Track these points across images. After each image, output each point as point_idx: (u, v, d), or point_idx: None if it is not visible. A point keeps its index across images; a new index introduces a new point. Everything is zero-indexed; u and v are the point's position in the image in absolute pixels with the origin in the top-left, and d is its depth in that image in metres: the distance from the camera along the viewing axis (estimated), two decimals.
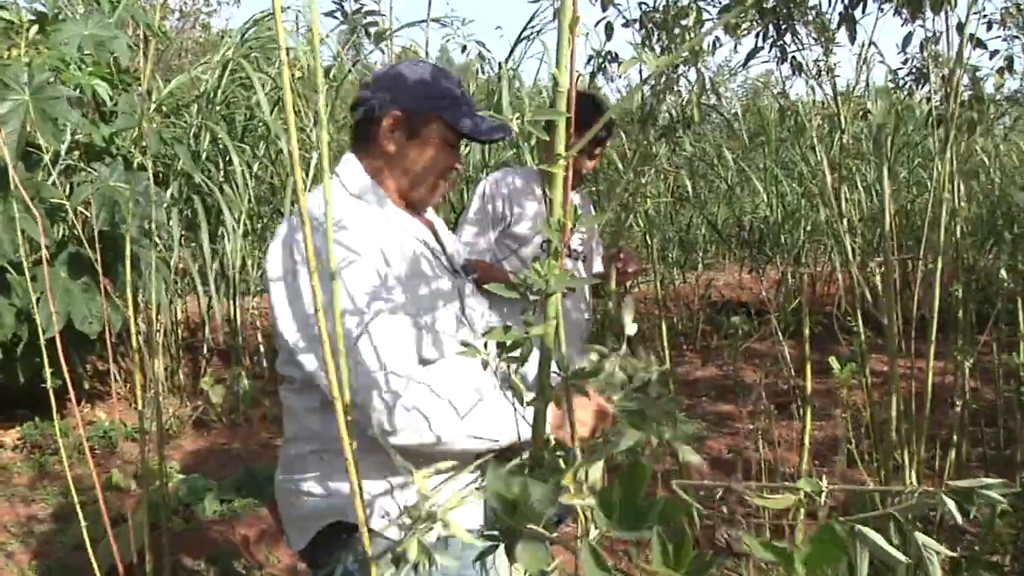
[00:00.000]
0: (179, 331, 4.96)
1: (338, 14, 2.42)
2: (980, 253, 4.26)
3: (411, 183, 1.58)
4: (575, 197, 2.53)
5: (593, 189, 3.92)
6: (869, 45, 3.03)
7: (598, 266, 2.51)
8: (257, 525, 3.19)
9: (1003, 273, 3.46)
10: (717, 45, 2.84)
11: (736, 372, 4.74)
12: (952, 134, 2.92)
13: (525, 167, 2.46)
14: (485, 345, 0.97)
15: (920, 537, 1.16)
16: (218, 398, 4.36)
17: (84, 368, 4.50)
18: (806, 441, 3.01)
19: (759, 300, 5.77)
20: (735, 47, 2.70)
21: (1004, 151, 5.58)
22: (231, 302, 4.76)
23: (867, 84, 4.97)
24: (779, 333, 3.72)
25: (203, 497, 3.29)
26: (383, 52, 3.13)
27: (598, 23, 2.31)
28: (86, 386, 4.44)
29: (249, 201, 4.51)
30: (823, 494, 1.26)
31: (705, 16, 2.36)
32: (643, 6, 2.48)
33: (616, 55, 2.47)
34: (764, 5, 2.66)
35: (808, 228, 5.46)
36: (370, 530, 1.44)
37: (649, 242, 4.78)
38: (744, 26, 2.77)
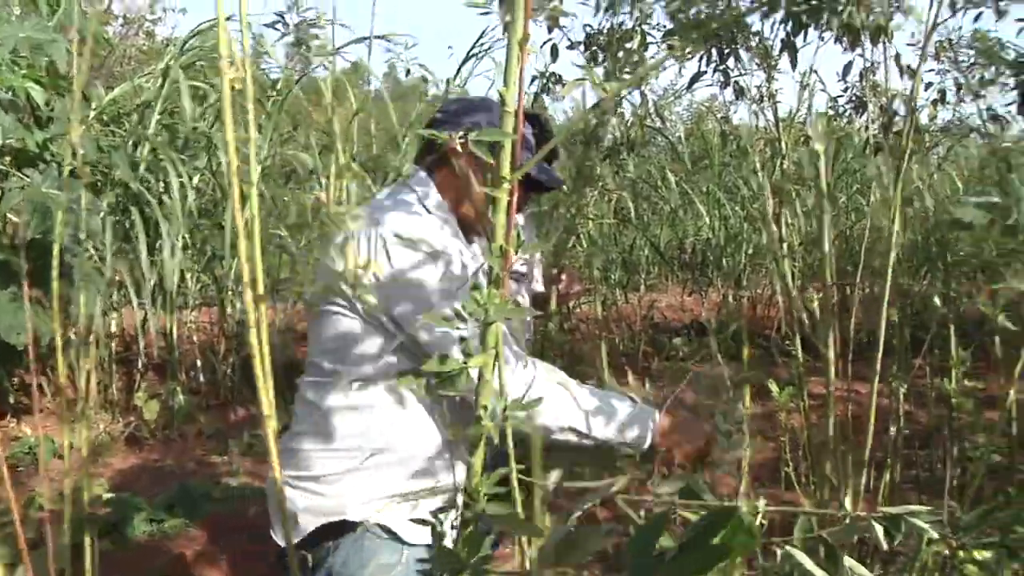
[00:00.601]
0: (113, 344, 4.83)
1: (280, 25, 2.38)
2: (915, 279, 4.35)
3: (476, 210, 1.67)
4: (519, 218, 2.51)
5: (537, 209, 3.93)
6: (810, 72, 3.10)
7: (539, 286, 2.49)
8: (190, 546, 3.11)
9: (936, 300, 3.55)
10: (661, 69, 2.87)
11: (676, 394, 4.78)
12: (903, 163, 3.00)
13: None
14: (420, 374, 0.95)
15: (849, 562, 1.17)
16: (152, 414, 4.25)
17: (11, 381, 4.35)
18: (744, 464, 3.01)
19: (700, 322, 5.84)
20: (679, 71, 2.72)
21: (937, 180, 5.74)
22: (168, 316, 4.65)
23: (809, 111, 5.08)
24: (718, 356, 3.76)
25: (133, 516, 3.19)
26: (326, 68, 3.09)
27: (543, 44, 2.32)
28: (11, 400, 4.30)
29: (190, 214, 4.42)
30: (759, 516, 1.27)
31: (649, 39, 2.38)
32: (588, 28, 2.49)
33: (560, 77, 2.47)
34: (708, 30, 2.70)
35: (750, 251, 5.54)
36: (376, 526, 1.51)
37: (592, 263, 4.81)
38: (688, 50, 2.81)
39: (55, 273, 2.24)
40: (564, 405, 1.58)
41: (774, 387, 2.62)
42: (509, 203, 0.94)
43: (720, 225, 5.39)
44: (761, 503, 1.23)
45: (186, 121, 4.00)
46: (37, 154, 3.91)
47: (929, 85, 2.97)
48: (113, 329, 4.90)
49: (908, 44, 3.14)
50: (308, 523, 1.54)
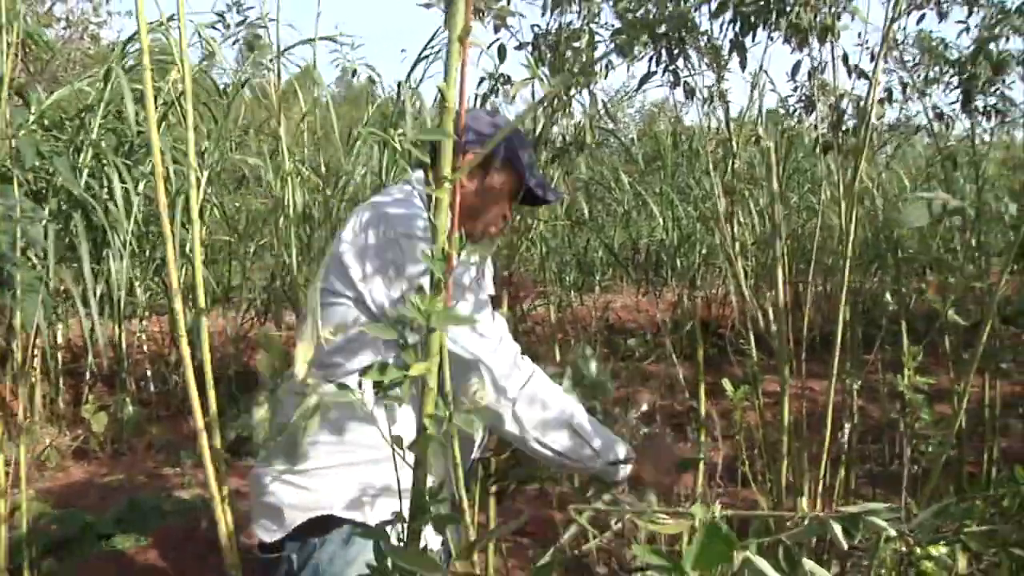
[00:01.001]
0: (60, 355, 4.71)
1: (220, 26, 2.34)
2: (865, 276, 4.40)
3: (474, 222, 1.68)
4: None
5: None
6: (760, 72, 3.12)
7: (490, 289, 2.46)
8: (141, 562, 3.03)
9: (887, 296, 3.58)
10: (610, 68, 2.86)
11: (632, 394, 4.79)
12: (859, 161, 3.03)
13: None
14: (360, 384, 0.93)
15: (808, 563, 1.16)
16: (100, 426, 4.15)
17: None
18: (700, 463, 3.03)
19: (655, 323, 5.86)
20: (628, 70, 2.71)
21: (886, 179, 5.82)
22: (117, 325, 4.55)
23: (759, 111, 5.12)
24: (673, 356, 3.77)
25: (80, 533, 3.10)
26: (269, 70, 3.03)
27: (491, 45, 2.29)
28: None
29: (136, 221, 4.33)
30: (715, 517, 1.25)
31: (597, 38, 2.36)
32: (535, 28, 2.47)
33: (509, 77, 2.44)
34: (656, 30, 2.70)
35: (704, 251, 5.57)
36: (362, 524, 1.49)
37: (546, 265, 4.79)
38: (637, 49, 2.80)
39: None
40: (555, 424, 1.59)
41: (728, 385, 2.61)
42: (451, 204, 0.92)
43: (673, 226, 5.40)
44: (717, 507, 1.22)
45: (130, 125, 3.91)
46: None
47: (874, 84, 2.98)
48: (60, 340, 4.78)
49: (856, 45, 3.17)
50: (294, 518, 1.52)
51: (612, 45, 2.34)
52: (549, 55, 2.26)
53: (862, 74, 3.01)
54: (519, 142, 1.73)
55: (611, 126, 5.48)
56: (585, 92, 2.70)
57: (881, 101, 3.02)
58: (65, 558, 3.06)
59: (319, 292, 1.55)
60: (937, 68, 3.40)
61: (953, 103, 3.27)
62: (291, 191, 3.32)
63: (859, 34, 3.13)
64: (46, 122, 4.43)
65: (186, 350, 0.88)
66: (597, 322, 5.77)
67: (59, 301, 4.48)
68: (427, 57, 4.09)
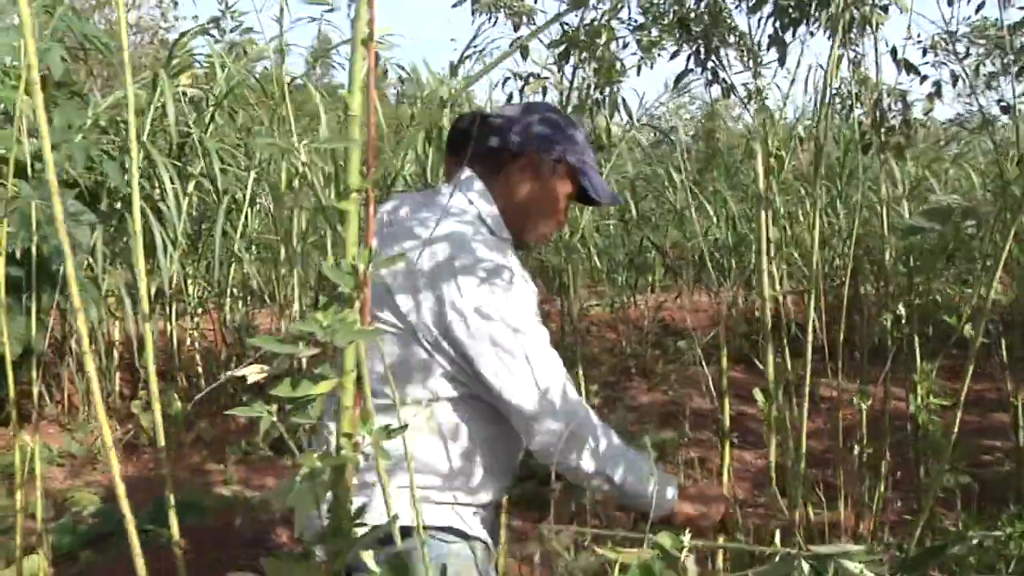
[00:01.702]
0: (116, 352, 4.83)
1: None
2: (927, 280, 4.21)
3: (526, 225, 1.63)
4: None
5: None
6: (811, 69, 3.01)
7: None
8: (173, 556, 3.07)
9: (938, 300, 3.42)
10: (645, 65, 2.78)
11: (681, 398, 4.69)
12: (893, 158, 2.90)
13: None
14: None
15: None
16: (149, 421, 4.23)
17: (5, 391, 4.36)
18: (725, 472, 2.93)
19: (711, 324, 5.73)
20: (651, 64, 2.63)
21: (954, 176, 5.59)
22: (168, 322, 4.64)
23: (814, 106, 4.96)
24: (724, 359, 3.66)
25: (118, 527, 3.16)
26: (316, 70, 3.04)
27: (514, 43, 2.25)
28: (8, 409, 4.30)
29: (187, 220, 4.41)
30: (683, 550, 1.19)
31: (622, 36, 2.30)
32: (564, 25, 2.42)
33: (537, 75, 2.40)
34: (689, 27, 2.62)
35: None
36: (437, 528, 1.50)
37: (595, 264, 4.72)
38: (670, 46, 2.72)
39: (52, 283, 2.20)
40: (607, 452, 1.53)
41: (759, 395, 2.52)
42: (366, 214, 0.88)
43: (727, 225, 5.28)
44: (687, 537, 1.16)
45: (171, 126, 3.98)
46: (28, 164, 3.91)
47: (924, 78, 2.85)
48: (117, 336, 4.90)
49: (905, 38, 3.03)
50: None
51: (635, 43, 2.28)
52: (574, 52, 2.20)
53: (910, 68, 2.88)
54: (579, 143, 1.66)
55: (672, 124, 5.39)
56: (610, 91, 2.64)
57: (930, 96, 2.88)
58: (103, 550, 3.12)
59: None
60: (999, 60, 3.23)
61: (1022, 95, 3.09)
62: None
63: (908, 26, 3.00)
64: (102, 123, 4.54)
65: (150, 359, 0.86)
66: (650, 323, 5.66)
67: (114, 299, 4.60)
68: (471, 56, 4.06)
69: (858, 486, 2.39)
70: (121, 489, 1.19)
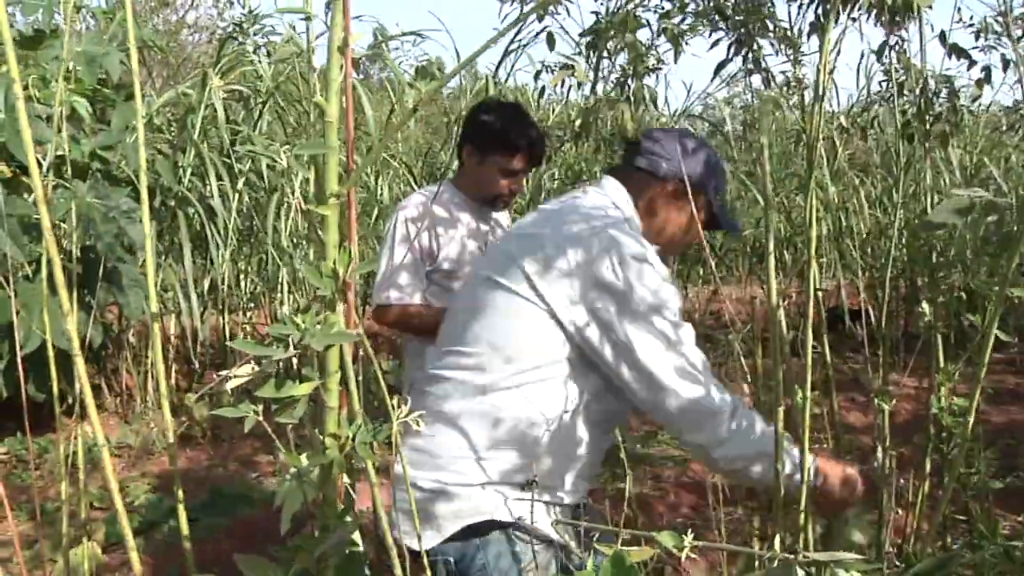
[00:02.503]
0: (172, 346, 4.95)
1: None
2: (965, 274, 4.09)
3: (660, 243, 1.64)
4: (503, 217, 2.44)
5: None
6: (862, 56, 2.93)
7: None
8: (218, 547, 3.15)
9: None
10: (682, 54, 2.74)
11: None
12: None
13: (445, 186, 2.32)
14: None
15: None
16: (201, 414, 4.33)
17: (71, 383, 4.50)
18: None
19: (764, 316, 5.64)
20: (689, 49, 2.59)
21: (1017, 162, 5.40)
22: (220, 317, 4.74)
23: (866, 94, 4.84)
24: (781, 351, 3.60)
25: (165, 518, 3.25)
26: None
27: (539, 33, 2.24)
28: (69, 400, 4.44)
29: (237, 217, 4.49)
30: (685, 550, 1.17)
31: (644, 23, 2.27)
32: (595, 14, 2.40)
33: (566, 66, 2.38)
34: (724, 13, 2.57)
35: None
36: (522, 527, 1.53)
37: None
38: (708, 34, 2.68)
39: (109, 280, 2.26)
40: (756, 437, 1.54)
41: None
42: (347, 217, 0.88)
43: (782, 216, 5.19)
44: (688, 538, 1.14)
45: (221, 125, 4.06)
46: (86, 164, 4.03)
47: (973, 63, 2.75)
48: (173, 330, 5.02)
49: (955, 22, 2.93)
50: (448, 527, 1.54)
51: (663, 32, 2.25)
52: (599, 44, 2.18)
53: (960, 52, 2.79)
54: (725, 183, 1.77)
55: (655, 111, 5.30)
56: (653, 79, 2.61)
57: (979, 82, 2.79)
58: (152, 538, 3.21)
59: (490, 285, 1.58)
60: None
61: None
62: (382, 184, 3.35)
63: (956, 8, 2.90)
64: (156, 123, 4.65)
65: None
66: (702, 315, 5.60)
67: (171, 294, 4.72)
68: (515, 50, 4.06)
69: (890, 484, 2.31)
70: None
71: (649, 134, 1.76)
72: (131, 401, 4.70)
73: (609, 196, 1.67)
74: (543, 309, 1.53)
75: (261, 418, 0.93)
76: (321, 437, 0.93)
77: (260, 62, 4.18)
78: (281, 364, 0.95)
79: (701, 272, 5.70)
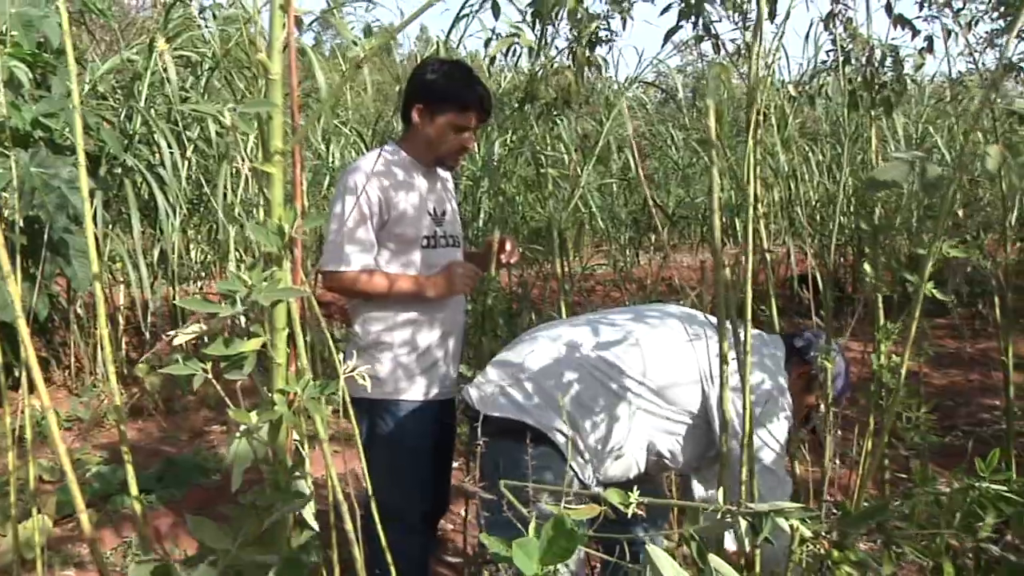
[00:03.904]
0: (121, 317, 4.88)
1: None
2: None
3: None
4: (450, 178, 2.44)
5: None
6: (812, 25, 2.97)
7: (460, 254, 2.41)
8: (171, 517, 3.14)
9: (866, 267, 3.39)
10: (627, 19, 2.74)
11: None
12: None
13: (390, 148, 2.32)
14: None
15: (714, 560, 1.10)
16: (153, 385, 4.29)
17: (17, 357, 4.43)
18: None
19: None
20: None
21: (959, 132, 5.51)
22: (171, 287, 4.69)
23: (815, 63, 4.90)
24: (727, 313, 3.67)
25: (119, 489, 3.23)
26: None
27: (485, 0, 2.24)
28: (16, 374, 4.37)
29: (187, 185, 4.43)
30: (631, 505, 1.21)
31: None
32: None
33: (512, 34, 2.38)
34: None
35: (763, 210, 5.40)
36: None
37: (600, 224, 4.70)
38: (654, 2, 2.69)
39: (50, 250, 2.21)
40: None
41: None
42: (290, 176, 0.89)
43: (731, 184, 5.24)
44: (634, 494, 1.17)
45: (172, 92, 3.98)
46: (28, 132, 3.92)
47: (917, 33, 2.80)
48: (122, 301, 4.95)
49: None
50: (511, 413, 1.91)
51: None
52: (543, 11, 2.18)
53: (904, 22, 2.84)
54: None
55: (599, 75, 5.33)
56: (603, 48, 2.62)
57: (921, 51, 2.84)
58: (102, 512, 3.18)
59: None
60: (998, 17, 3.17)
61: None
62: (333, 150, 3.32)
63: None
64: (100, 90, 4.55)
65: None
66: (653, 282, 5.66)
67: (119, 265, 4.65)
68: (466, 16, 4.04)
69: (828, 442, 2.38)
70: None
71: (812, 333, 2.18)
72: (81, 374, 4.63)
73: (780, 358, 2.09)
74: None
75: (211, 377, 0.94)
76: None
77: (207, 27, 4.11)
78: (230, 323, 0.95)
79: (653, 239, 5.76)
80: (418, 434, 2.29)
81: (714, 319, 1.73)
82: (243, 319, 0.93)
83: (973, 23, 2.87)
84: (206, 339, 0.98)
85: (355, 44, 0.84)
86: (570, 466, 1.89)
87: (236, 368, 0.91)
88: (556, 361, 1.97)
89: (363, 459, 1.35)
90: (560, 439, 1.90)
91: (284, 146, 0.85)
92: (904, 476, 2.95)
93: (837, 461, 2.97)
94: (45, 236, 3.77)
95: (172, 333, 0.95)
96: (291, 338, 0.93)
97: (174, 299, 4.66)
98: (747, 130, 1.38)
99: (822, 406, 2.01)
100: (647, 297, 5.53)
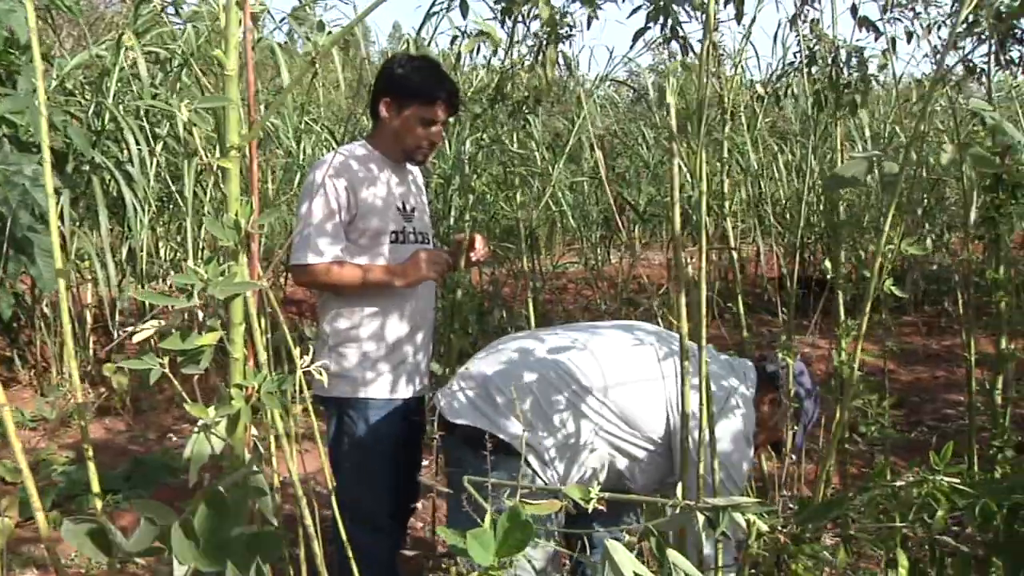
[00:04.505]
0: (89, 315, 4.83)
1: None
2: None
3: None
4: (419, 173, 2.44)
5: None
6: (780, 26, 3.01)
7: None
8: (136, 515, 3.11)
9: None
10: (594, 17, 2.75)
11: None
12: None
13: (359, 144, 2.33)
14: None
15: (671, 554, 1.11)
16: (121, 384, 4.25)
17: None
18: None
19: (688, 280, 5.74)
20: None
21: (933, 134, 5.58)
22: (139, 285, 4.65)
23: (782, 63, 4.94)
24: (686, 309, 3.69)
25: (86, 489, 3.20)
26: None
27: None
28: None
29: (156, 182, 4.39)
30: (591, 501, 1.22)
31: None
32: None
33: (480, 32, 2.38)
34: None
35: (733, 209, 5.44)
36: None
37: (571, 223, 4.71)
38: (623, 1, 2.70)
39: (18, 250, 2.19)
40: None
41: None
42: (246, 172, 0.89)
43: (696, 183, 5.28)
44: (595, 489, 1.19)
45: (144, 89, 3.95)
46: None
47: (881, 34, 2.84)
48: (90, 299, 4.90)
49: None
50: (477, 421, 1.91)
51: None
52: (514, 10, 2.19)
53: (868, 24, 2.88)
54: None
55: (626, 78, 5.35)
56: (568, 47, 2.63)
57: (885, 52, 2.88)
58: (71, 511, 3.16)
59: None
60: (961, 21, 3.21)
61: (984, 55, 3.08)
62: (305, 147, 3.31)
63: None
64: (68, 86, 4.51)
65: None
66: (624, 280, 5.69)
67: (87, 263, 4.60)
68: (436, 13, 4.04)
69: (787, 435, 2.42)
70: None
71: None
72: (47, 373, 4.58)
73: (748, 384, 2.09)
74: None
75: (168, 372, 0.94)
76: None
77: (177, 23, 4.08)
78: (189, 318, 0.95)
79: (624, 238, 5.79)
80: (387, 432, 2.29)
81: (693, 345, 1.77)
82: (200, 314, 0.93)
83: (934, 27, 2.90)
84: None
85: (307, 40, 0.84)
86: (532, 469, 1.91)
87: (193, 363, 0.91)
88: (519, 371, 1.98)
89: (324, 458, 1.35)
90: (523, 446, 1.90)
91: (240, 141, 0.85)
92: (869, 471, 2.99)
93: (804, 456, 3.01)
94: (6, 233, 3.74)
95: (129, 330, 0.94)
96: (250, 333, 0.93)
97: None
98: (696, 126, 1.40)
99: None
100: (618, 295, 5.57)
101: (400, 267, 2.22)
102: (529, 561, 1.66)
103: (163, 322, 0.96)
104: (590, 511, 1.19)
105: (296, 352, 0.89)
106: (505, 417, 1.92)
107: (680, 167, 2.73)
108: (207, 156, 0.86)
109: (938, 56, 3.37)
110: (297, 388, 0.94)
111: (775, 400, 2.12)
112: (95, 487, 1.18)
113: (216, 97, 0.83)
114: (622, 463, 2.02)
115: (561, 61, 2.22)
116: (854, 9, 2.88)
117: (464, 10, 2.21)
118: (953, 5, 3.21)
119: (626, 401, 1.98)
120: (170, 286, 5.16)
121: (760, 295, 6.02)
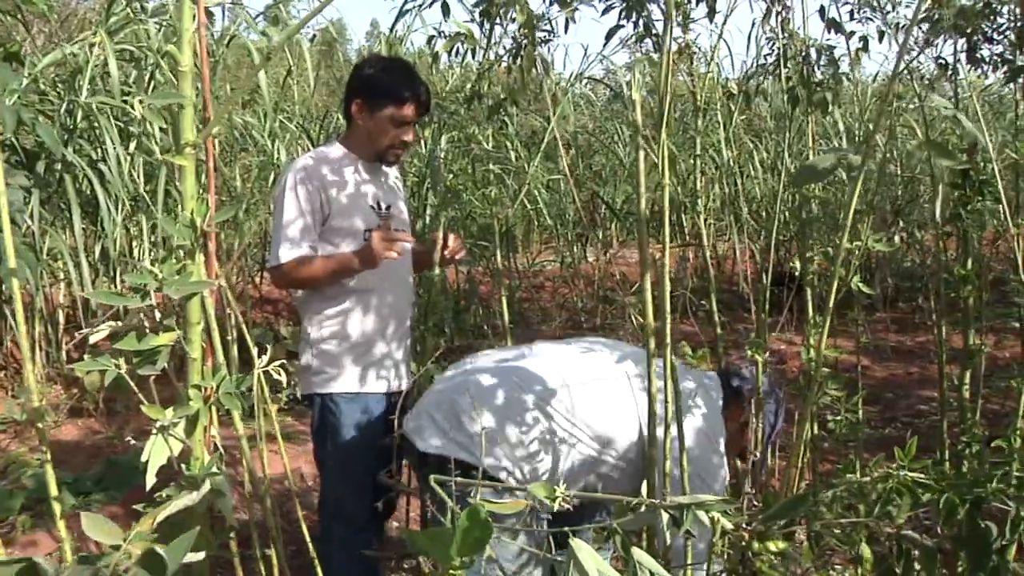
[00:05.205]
0: (62, 315, 4.79)
1: None
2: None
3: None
4: (393, 174, 2.45)
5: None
6: (753, 25, 3.01)
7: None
8: (109, 517, 3.08)
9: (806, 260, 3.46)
10: (571, 21, 2.76)
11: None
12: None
13: (333, 145, 2.35)
14: None
15: (636, 553, 1.11)
16: (93, 385, 4.21)
17: None
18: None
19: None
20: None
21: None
22: (113, 285, 4.61)
23: (755, 62, 4.97)
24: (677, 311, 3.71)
25: (57, 492, 3.16)
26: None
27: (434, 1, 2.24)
28: None
29: (131, 181, 4.35)
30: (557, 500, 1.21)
31: None
32: None
33: (458, 33, 2.38)
34: None
35: (708, 207, 5.47)
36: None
37: (547, 220, 4.71)
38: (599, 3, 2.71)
39: None
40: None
41: (687, 349, 2.56)
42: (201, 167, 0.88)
43: (677, 181, 5.30)
44: (560, 488, 1.18)
45: (115, 87, 3.91)
46: None
47: (851, 35, 2.86)
48: (62, 300, 4.85)
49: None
50: (452, 452, 1.87)
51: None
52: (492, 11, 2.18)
53: (836, 26, 2.90)
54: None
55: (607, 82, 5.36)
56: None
57: (857, 51, 2.90)
58: (40, 514, 3.13)
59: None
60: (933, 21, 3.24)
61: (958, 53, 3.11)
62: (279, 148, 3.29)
63: None
64: (41, 85, 4.46)
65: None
66: (601, 278, 5.70)
67: (60, 263, 4.55)
68: (409, 11, 4.03)
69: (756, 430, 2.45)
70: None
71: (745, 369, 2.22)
72: (19, 375, 4.53)
73: (714, 394, 2.16)
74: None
75: (123, 373, 0.93)
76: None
77: (148, 20, 4.04)
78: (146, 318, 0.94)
79: (601, 236, 5.80)
80: (367, 428, 2.29)
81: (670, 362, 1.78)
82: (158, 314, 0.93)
83: (902, 27, 2.92)
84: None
85: (263, 35, 0.83)
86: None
87: (149, 363, 0.90)
88: (490, 392, 1.98)
89: (308, 456, 1.34)
90: (498, 473, 1.93)
91: (195, 139, 0.84)
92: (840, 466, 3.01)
93: (778, 453, 3.02)
94: None
95: (86, 331, 0.94)
96: (208, 333, 0.92)
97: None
98: (659, 118, 1.40)
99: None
100: (594, 292, 5.58)
101: (356, 252, 2.22)
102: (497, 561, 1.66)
103: (119, 323, 0.95)
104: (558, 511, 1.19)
105: (254, 351, 0.88)
106: (475, 442, 1.91)
107: (648, 160, 2.73)
108: (161, 154, 0.86)
109: (904, 55, 3.40)
110: (266, 388, 0.93)
111: (740, 413, 2.16)
112: (53, 491, 1.17)
113: (169, 93, 0.82)
114: (594, 481, 2.04)
115: (538, 62, 2.21)
116: (822, 11, 2.90)
117: (446, 12, 2.21)
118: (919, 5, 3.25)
119: (601, 424, 1.99)
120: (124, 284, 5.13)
121: (736, 292, 6.05)
